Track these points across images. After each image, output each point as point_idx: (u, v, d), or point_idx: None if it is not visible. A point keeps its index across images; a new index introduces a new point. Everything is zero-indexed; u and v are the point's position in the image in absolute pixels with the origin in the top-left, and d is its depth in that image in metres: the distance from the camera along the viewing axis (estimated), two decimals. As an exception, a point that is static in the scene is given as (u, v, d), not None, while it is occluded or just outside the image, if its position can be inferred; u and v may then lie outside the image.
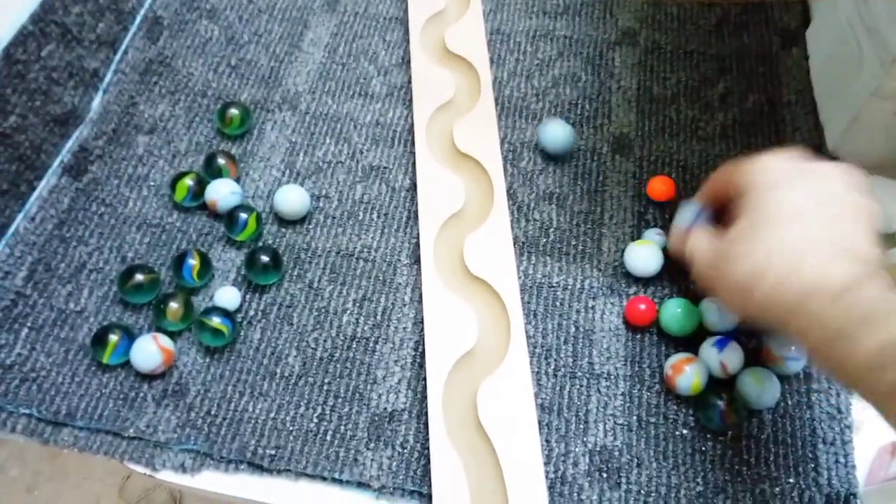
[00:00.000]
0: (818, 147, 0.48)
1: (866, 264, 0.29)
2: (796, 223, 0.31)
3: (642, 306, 0.41)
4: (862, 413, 0.39)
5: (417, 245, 0.45)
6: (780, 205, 0.31)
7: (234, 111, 0.49)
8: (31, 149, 0.45)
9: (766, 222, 0.31)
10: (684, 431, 0.39)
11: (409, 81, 0.52)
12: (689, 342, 0.41)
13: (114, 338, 0.40)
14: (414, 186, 0.48)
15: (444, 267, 0.43)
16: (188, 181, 0.46)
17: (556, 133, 0.48)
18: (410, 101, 0.52)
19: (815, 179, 0.32)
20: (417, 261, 0.45)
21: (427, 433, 0.37)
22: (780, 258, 0.30)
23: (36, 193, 0.46)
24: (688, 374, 0.38)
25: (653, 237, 0.44)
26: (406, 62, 0.54)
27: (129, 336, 0.41)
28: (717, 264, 0.33)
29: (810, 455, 0.38)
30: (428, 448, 0.37)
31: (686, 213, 0.39)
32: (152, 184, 0.48)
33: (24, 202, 0.45)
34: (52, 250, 0.45)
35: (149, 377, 0.41)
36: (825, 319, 0.28)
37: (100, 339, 0.40)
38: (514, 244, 0.44)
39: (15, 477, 1.03)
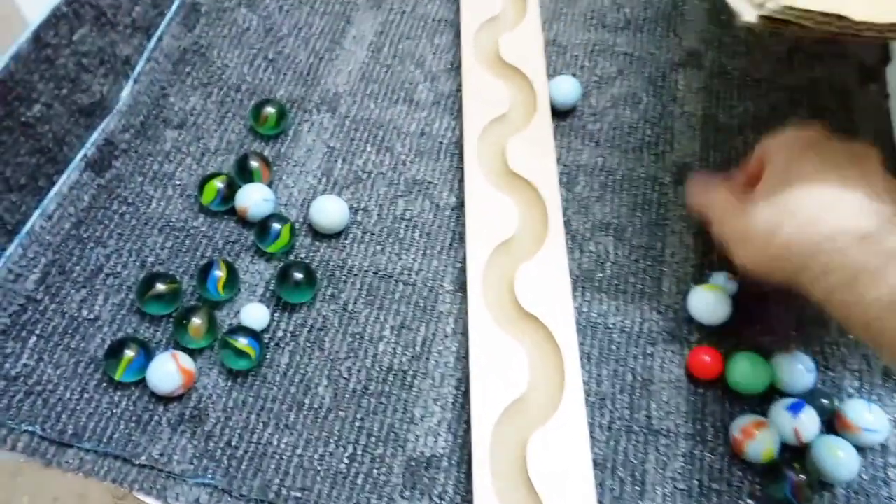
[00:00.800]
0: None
1: (890, 218, 0.29)
2: (816, 182, 0.31)
3: (707, 357, 0.38)
4: (946, 495, 0.35)
5: (462, 270, 0.42)
6: (799, 168, 0.32)
7: (269, 109, 0.46)
8: (53, 141, 0.42)
9: (786, 182, 0.32)
10: (749, 502, 0.35)
11: (458, 90, 0.49)
12: (758, 400, 0.38)
13: (129, 353, 0.37)
14: (460, 205, 0.44)
15: (492, 299, 0.39)
16: (218, 183, 0.42)
17: (562, 87, 0.47)
18: (459, 111, 0.48)
19: (830, 147, 0.33)
20: (462, 288, 0.41)
21: (469, 484, 0.34)
22: (803, 208, 0.31)
23: (55, 189, 0.42)
24: (759, 441, 0.35)
25: (721, 282, 0.40)
26: (455, 69, 0.50)
27: (146, 352, 0.37)
28: (735, 213, 0.33)
29: (888, 538, 0.34)
30: (469, 501, 0.34)
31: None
32: (178, 183, 0.45)
33: (42, 198, 0.42)
34: (68, 252, 0.41)
35: (165, 399, 0.37)
36: (849, 257, 0.28)
37: (113, 353, 0.37)
38: (567, 277, 0.41)
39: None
